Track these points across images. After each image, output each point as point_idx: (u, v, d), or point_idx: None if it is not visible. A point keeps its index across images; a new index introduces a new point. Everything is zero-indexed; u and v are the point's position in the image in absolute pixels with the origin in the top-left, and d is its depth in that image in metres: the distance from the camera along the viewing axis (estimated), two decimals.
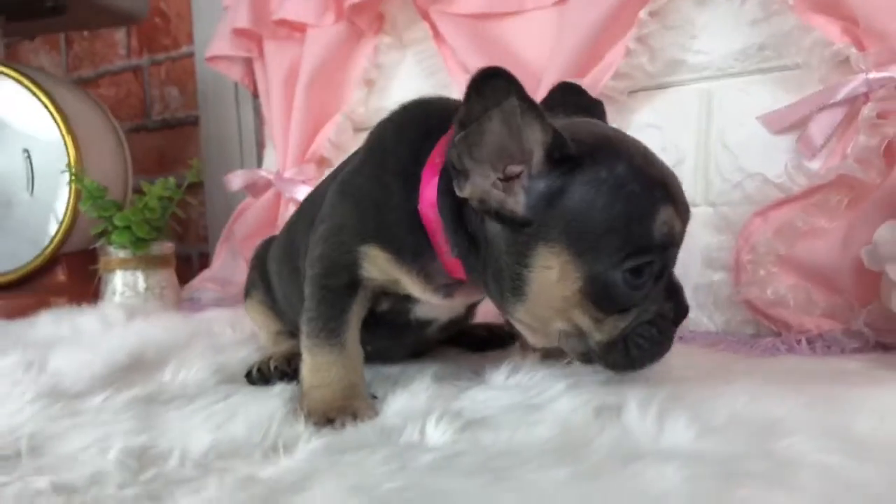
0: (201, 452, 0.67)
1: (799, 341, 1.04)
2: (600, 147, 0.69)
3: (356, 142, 1.65)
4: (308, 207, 0.97)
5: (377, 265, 0.81)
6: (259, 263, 1.12)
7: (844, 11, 1.08)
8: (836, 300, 1.05)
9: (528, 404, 0.76)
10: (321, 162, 1.80)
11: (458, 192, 0.69)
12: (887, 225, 0.92)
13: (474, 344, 1.10)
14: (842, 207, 1.08)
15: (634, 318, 0.70)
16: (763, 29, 1.21)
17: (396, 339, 0.94)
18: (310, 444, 0.67)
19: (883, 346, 0.99)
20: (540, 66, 1.40)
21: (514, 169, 0.68)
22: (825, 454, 0.55)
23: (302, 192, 1.71)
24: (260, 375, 0.94)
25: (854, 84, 1.06)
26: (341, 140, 1.76)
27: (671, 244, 0.70)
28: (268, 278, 1.08)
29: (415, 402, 0.79)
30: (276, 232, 1.14)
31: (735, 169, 1.23)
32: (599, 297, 0.68)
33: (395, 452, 0.64)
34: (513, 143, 0.66)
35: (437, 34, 1.55)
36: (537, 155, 0.67)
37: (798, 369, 0.87)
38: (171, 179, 1.65)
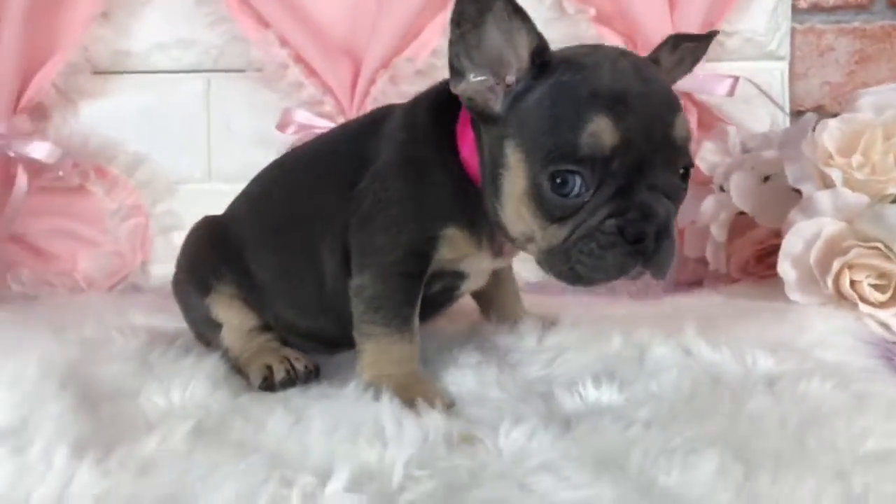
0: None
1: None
2: (575, 57, 0.72)
3: (97, 86, 1.39)
4: (301, 176, 0.90)
5: (454, 246, 0.80)
6: (220, 249, 0.90)
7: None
8: None
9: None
10: (39, 112, 1.40)
11: (451, 89, 0.73)
12: (710, 198, 1.28)
13: None
14: None
15: (572, 231, 0.69)
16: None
17: (426, 315, 0.91)
18: None
19: (685, 284, 1.36)
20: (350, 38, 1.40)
21: (511, 79, 0.72)
22: None
23: (37, 149, 1.31)
24: (287, 379, 0.82)
25: None
26: (75, 84, 1.41)
27: (600, 157, 0.67)
28: (239, 266, 0.89)
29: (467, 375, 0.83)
30: None
31: None
32: (537, 200, 0.70)
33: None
34: (509, 51, 0.70)
35: None
36: (523, 58, 0.71)
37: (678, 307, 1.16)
38: None
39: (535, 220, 0.71)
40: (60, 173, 1.35)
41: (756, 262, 1.29)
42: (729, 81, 1.39)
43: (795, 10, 1.53)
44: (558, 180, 0.68)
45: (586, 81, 0.68)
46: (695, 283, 1.38)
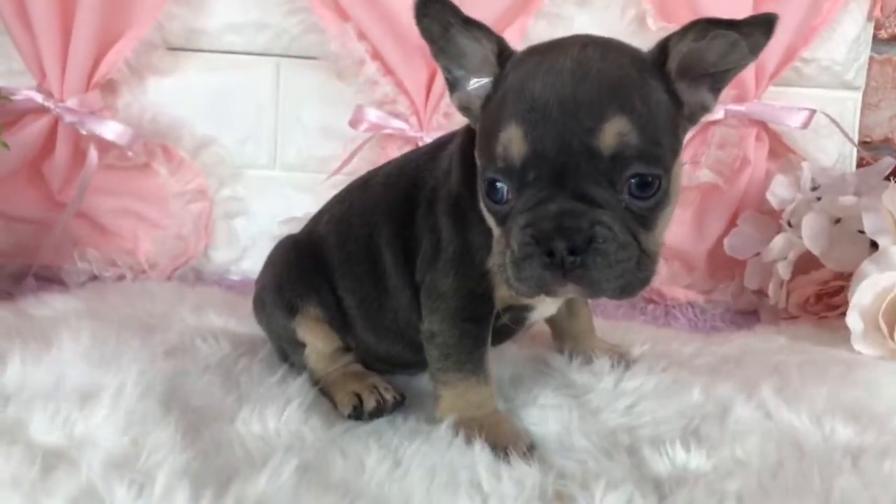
0: None
1: (669, 308, 1.37)
2: (525, 57, 0.70)
3: (169, 63, 1.37)
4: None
5: None
6: (307, 271, 0.91)
7: None
8: (693, 276, 1.40)
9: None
10: (109, 88, 1.39)
11: (450, 100, 0.76)
12: (780, 236, 1.28)
13: None
14: (696, 201, 1.42)
15: (508, 238, 0.68)
16: None
17: (496, 341, 0.91)
18: None
19: (740, 313, 1.37)
20: None
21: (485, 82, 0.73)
22: None
23: (109, 129, 1.31)
24: (376, 409, 0.83)
25: (715, 113, 1.37)
26: (147, 61, 1.39)
27: (513, 166, 0.65)
28: (325, 289, 0.90)
29: (549, 418, 0.84)
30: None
31: None
32: (485, 205, 0.71)
33: None
34: (486, 52, 0.71)
35: None
36: (492, 61, 0.71)
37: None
38: None
39: (493, 227, 0.72)
40: (131, 153, 1.34)
41: (816, 301, 1.30)
42: (805, 114, 1.37)
43: (876, 40, 1.50)
44: (489, 186, 0.68)
45: (519, 86, 0.66)
46: (749, 313, 1.39)
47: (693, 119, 0.73)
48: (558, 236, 0.63)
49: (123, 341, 0.89)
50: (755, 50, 0.68)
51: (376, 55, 1.36)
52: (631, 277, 0.66)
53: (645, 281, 0.67)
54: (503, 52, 0.71)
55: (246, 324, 1.07)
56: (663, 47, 0.69)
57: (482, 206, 0.73)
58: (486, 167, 0.69)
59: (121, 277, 1.37)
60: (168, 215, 1.42)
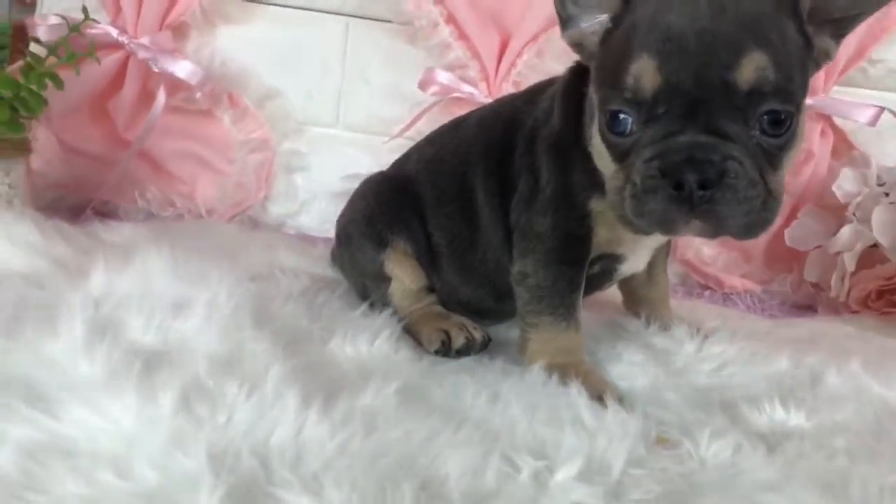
0: None
1: (727, 295, 1.35)
2: None
3: (241, 13, 1.37)
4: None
5: (607, 222, 0.78)
6: (400, 205, 0.90)
7: None
8: (750, 266, 1.39)
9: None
10: (180, 31, 1.38)
11: (562, 36, 0.74)
12: (848, 227, 1.27)
13: None
14: None
15: (629, 172, 0.66)
16: None
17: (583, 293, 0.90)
18: None
19: (797, 306, 1.36)
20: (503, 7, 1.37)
21: (604, 18, 0.71)
22: None
23: (181, 68, 1.29)
24: (466, 345, 0.82)
25: None
26: (221, 9, 1.38)
27: (643, 98, 0.64)
28: (417, 225, 0.89)
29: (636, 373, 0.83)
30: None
31: None
32: (604, 140, 0.69)
33: None
34: None
35: None
36: None
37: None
38: None
39: (607, 163, 0.70)
40: (198, 95, 1.33)
41: (878, 297, 1.28)
42: (873, 111, 1.36)
43: None
44: (612, 118, 0.66)
45: (651, 18, 0.65)
46: (805, 307, 1.37)
47: (818, 63, 0.72)
48: (689, 168, 0.61)
49: (205, 263, 0.88)
50: None
51: (450, 19, 1.35)
52: (756, 216, 0.64)
53: (769, 221, 0.66)
54: None
55: (319, 265, 1.05)
56: None
57: (594, 142, 0.72)
58: (608, 99, 0.67)
59: (179, 218, 1.35)
60: (229, 162, 1.40)
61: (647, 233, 0.69)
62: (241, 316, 0.75)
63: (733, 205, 0.62)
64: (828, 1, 0.68)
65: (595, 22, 0.71)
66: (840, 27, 0.71)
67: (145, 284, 0.79)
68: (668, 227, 0.66)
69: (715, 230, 0.66)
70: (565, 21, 0.73)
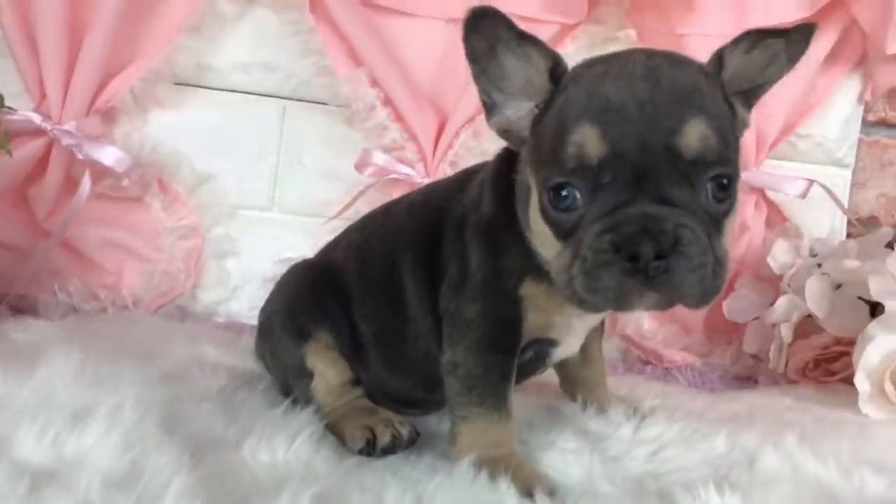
0: None
1: (667, 369, 1.34)
2: (586, 68, 0.69)
3: (173, 97, 1.36)
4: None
5: (538, 307, 0.77)
6: (323, 296, 0.87)
7: None
8: (690, 338, 1.39)
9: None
10: (109, 116, 1.36)
11: (488, 123, 0.73)
12: (783, 298, 1.28)
13: None
14: None
15: (575, 250, 0.65)
16: None
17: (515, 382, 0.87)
18: None
19: (738, 378, 1.35)
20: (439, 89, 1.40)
21: (534, 102, 0.70)
22: None
23: (108, 154, 1.26)
24: (392, 442, 0.79)
25: None
26: (152, 92, 1.36)
27: (588, 168, 0.63)
28: (340, 315, 0.86)
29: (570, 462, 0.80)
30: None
31: None
32: (546, 218, 0.68)
33: None
34: (532, 72, 0.69)
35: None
36: (543, 79, 0.69)
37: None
38: None
39: (551, 242, 0.68)
40: (126, 182, 1.29)
41: (815, 367, 1.29)
42: (804, 184, 1.41)
43: (864, 122, 1.56)
44: (555, 194, 0.65)
45: (585, 91, 0.66)
46: (746, 378, 1.37)
47: (739, 133, 0.73)
48: (644, 239, 0.60)
49: (117, 363, 0.83)
50: (793, 60, 0.71)
51: (388, 101, 1.36)
52: (708, 284, 0.63)
53: (719, 288, 0.65)
54: (558, 67, 0.69)
55: (242, 359, 1.01)
56: (719, 57, 0.69)
57: (532, 224, 0.71)
58: (549, 175, 0.66)
59: (102, 311, 1.30)
60: (157, 250, 1.36)
61: (599, 310, 0.68)
62: (148, 423, 0.70)
63: (688, 273, 0.62)
64: (740, 73, 0.70)
65: (521, 108, 0.71)
66: (750, 96, 0.73)
67: (46, 392, 0.74)
68: (622, 301, 0.64)
69: (669, 300, 0.65)
70: (490, 108, 0.73)
